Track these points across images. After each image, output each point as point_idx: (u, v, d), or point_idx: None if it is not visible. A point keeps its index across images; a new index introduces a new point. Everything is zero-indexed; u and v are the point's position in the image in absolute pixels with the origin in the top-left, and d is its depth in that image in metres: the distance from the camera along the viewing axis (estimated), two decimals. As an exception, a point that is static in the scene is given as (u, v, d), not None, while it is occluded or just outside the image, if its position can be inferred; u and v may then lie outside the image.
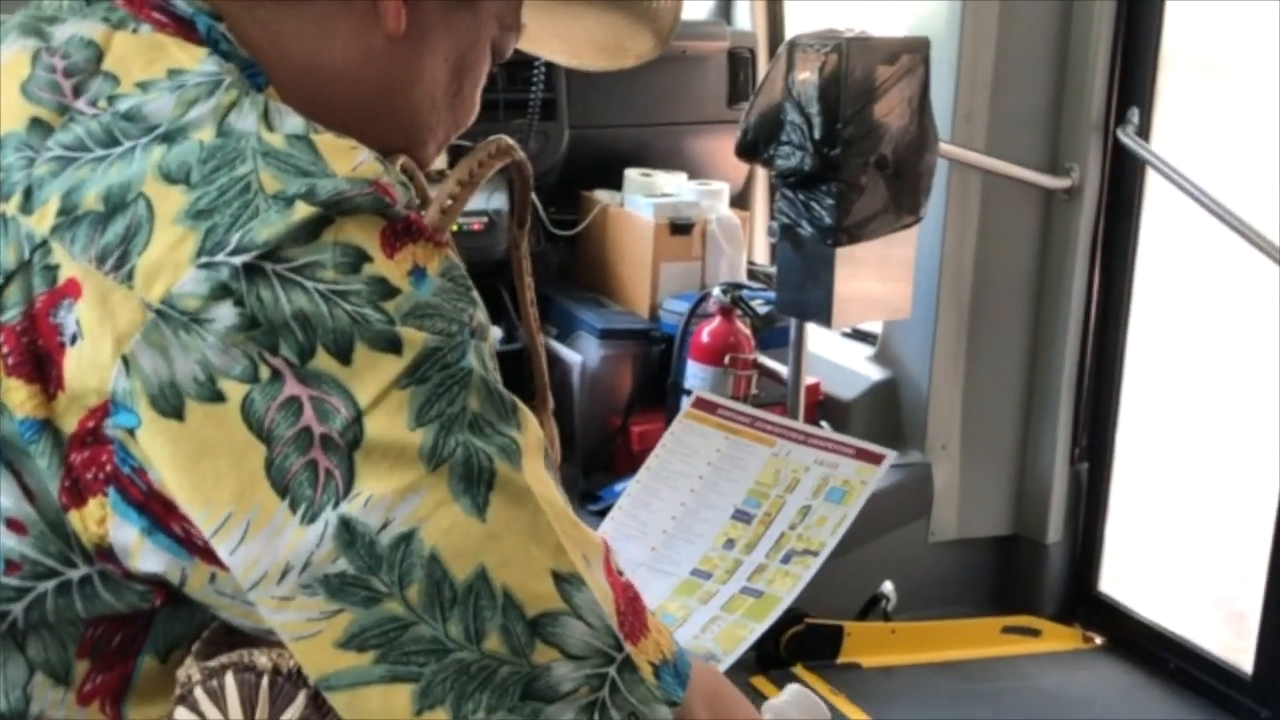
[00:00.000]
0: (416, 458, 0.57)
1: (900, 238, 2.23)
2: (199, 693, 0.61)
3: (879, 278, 2.27)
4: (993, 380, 2.63)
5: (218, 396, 0.55)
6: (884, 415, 2.69)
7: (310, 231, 0.57)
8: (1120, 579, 2.62)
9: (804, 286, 2.20)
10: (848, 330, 2.83)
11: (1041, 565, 2.65)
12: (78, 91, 0.63)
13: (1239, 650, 2.31)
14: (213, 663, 0.62)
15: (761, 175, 3.24)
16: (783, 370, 2.43)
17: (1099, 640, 2.57)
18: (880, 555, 2.53)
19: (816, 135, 2.06)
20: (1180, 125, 2.43)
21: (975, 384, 2.63)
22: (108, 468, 0.57)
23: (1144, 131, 2.43)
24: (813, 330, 2.41)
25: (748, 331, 2.46)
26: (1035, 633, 2.56)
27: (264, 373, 0.55)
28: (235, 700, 0.61)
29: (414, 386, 0.57)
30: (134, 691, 0.63)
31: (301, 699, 0.61)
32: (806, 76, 2.09)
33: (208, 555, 0.59)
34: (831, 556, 2.22)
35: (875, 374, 2.71)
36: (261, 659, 0.62)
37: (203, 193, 0.57)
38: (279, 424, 0.55)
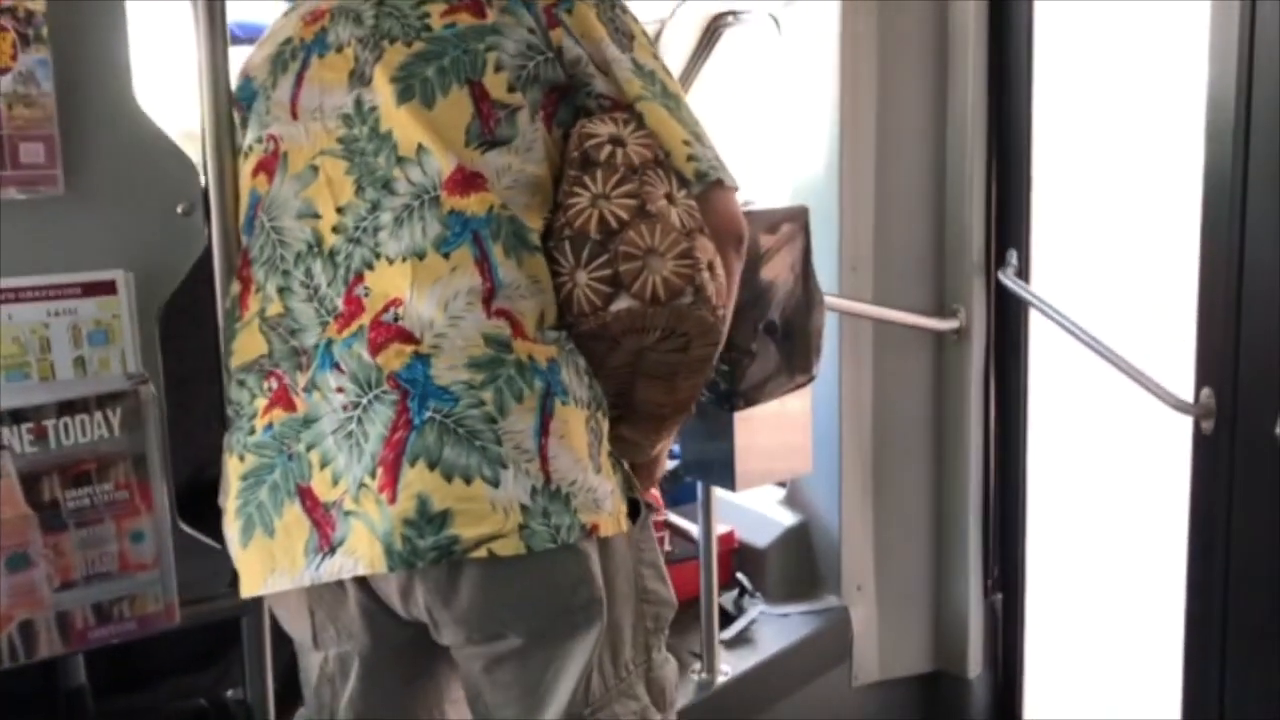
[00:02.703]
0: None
1: (796, 394, 2.27)
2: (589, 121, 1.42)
3: (779, 435, 2.31)
4: (902, 519, 2.67)
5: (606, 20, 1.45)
6: (799, 560, 2.71)
7: None
8: (1043, 707, 2.64)
9: (706, 450, 2.24)
10: (758, 476, 2.85)
11: (965, 700, 2.67)
12: None
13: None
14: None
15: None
16: (693, 528, 2.44)
17: (1027, 773, 2.59)
18: (805, 704, 2.53)
19: (705, 307, 2.10)
20: (1058, 260, 2.53)
21: (885, 524, 2.67)
22: (558, 16, 1.42)
23: (1024, 271, 2.52)
24: (722, 481, 2.43)
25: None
26: (964, 771, 2.57)
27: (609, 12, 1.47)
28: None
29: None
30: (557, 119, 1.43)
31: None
32: (692, 249, 2.14)
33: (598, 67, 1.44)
34: (756, 711, 2.22)
35: (787, 519, 2.74)
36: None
37: None
38: (613, 23, 1.45)
